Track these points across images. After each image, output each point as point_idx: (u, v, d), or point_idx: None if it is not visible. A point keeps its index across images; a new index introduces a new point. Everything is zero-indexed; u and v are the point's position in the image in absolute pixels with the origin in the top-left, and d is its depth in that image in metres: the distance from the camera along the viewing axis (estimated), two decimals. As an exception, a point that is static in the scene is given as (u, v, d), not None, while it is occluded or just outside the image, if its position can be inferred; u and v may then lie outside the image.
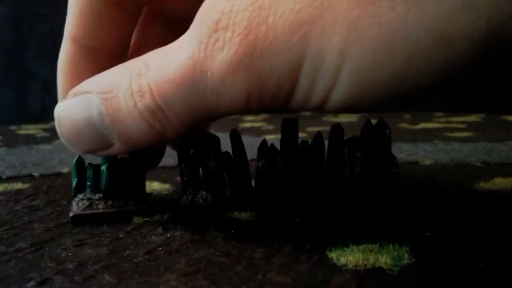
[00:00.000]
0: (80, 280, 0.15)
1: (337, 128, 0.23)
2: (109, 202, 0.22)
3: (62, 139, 0.20)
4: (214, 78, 0.16)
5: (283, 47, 0.15)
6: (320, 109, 0.16)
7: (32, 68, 0.79)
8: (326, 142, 0.23)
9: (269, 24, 0.15)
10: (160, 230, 0.20)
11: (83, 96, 0.19)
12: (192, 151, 0.23)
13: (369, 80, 0.14)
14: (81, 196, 0.22)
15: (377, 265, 0.16)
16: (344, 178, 0.23)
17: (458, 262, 0.16)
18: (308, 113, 0.79)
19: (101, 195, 0.22)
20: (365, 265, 0.16)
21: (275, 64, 0.15)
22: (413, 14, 0.13)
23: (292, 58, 0.15)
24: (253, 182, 0.23)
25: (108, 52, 0.23)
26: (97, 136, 0.19)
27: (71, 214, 0.21)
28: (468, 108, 0.17)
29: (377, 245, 0.17)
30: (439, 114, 0.68)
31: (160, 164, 0.35)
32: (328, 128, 0.24)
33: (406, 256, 0.16)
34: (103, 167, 0.22)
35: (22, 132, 0.60)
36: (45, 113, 0.79)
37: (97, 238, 0.20)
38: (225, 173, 0.23)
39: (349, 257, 0.16)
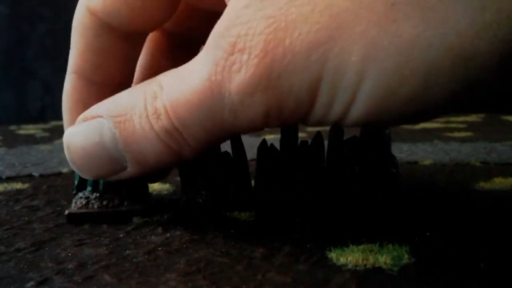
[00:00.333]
0: (79, 280, 0.15)
1: (337, 128, 0.23)
2: (105, 202, 0.22)
3: (72, 166, 0.20)
4: (232, 99, 0.16)
5: (301, 67, 0.15)
6: (338, 123, 0.16)
7: (32, 68, 0.79)
8: (326, 142, 0.23)
9: (286, 45, 0.15)
10: (160, 230, 0.20)
11: (94, 121, 0.19)
12: None
13: (388, 97, 0.15)
14: (80, 194, 0.22)
15: (376, 265, 0.16)
16: (344, 178, 0.23)
17: (458, 262, 0.16)
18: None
19: (98, 194, 0.22)
20: (365, 265, 0.16)
21: (294, 83, 0.15)
22: (433, 32, 0.14)
23: (310, 77, 0.15)
24: (253, 182, 0.23)
25: (113, 84, 0.23)
26: (110, 160, 0.19)
27: (66, 212, 0.21)
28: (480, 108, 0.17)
29: (377, 245, 0.17)
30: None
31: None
32: (328, 128, 0.24)
33: (406, 256, 0.16)
34: None
35: (22, 132, 0.60)
36: (45, 113, 0.79)
37: (96, 238, 0.20)
38: (225, 173, 0.23)
39: (348, 257, 0.16)
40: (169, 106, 0.17)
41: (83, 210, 0.21)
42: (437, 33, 0.14)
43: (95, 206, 0.22)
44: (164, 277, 0.16)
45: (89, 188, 0.22)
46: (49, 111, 0.79)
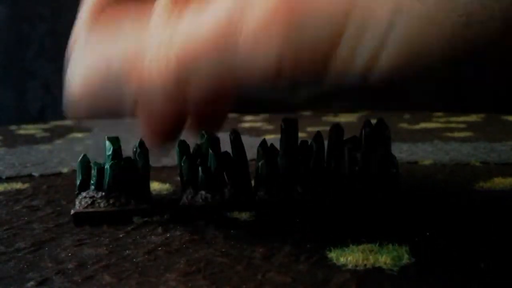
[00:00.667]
0: (79, 280, 0.15)
1: (337, 128, 0.23)
2: (111, 201, 0.22)
3: (68, 96, 0.20)
4: (248, 36, 0.15)
5: (323, 18, 0.14)
6: (363, 77, 0.15)
7: (32, 68, 0.79)
8: (326, 142, 0.23)
9: None
10: (160, 230, 0.20)
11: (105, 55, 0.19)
12: (191, 151, 0.23)
13: (423, 37, 0.14)
14: (84, 194, 0.22)
15: (376, 265, 0.16)
16: (344, 178, 0.23)
17: (458, 262, 0.16)
18: (308, 113, 0.79)
19: (103, 193, 0.22)
20: (365, 265, 0.16)
21: (317, 21, 0.14)
22: None
23: (331, 30, 0.14)
24: (253, 182, 0.23)
25: None
26: (112, 95, 0.18)
27: (72, 211, 0.21)
28: None
29: (377, 245, 0.17)
30: (439, 114, 0.68)
31: (160, 164, 0.35)
32: (328, 128, 0.24)
33: (406, 256, 0.16)
34: (107, 166, 0.22)
35: (21, 132, 0.60)
36: (45, 113, 0.79)
37: (96, 238, 0.20)
38: (225, 173, 0.23)
39: (348, 257, 0.16)
40: (181, 49, 0.17)
41: (89, 210, 0.21)
42: None
43: (101, 205, 0.22)
44: (164, 277, 0.16)
45: (92, 187, 0.22)
46: (49, 111, 0.79)
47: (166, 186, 0.28)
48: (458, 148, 0.39)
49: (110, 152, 0.23)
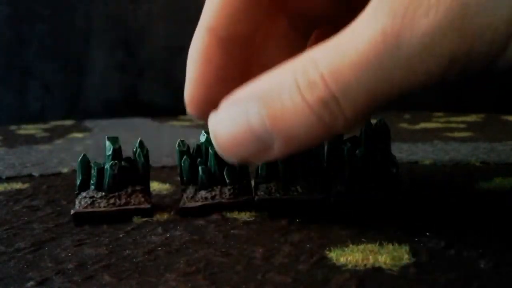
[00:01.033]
0: (79, 280, 0.15)
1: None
2: (111, 201, 0.22)
3: (218, 150, 0.20)
4: (413, 48, 0.15)
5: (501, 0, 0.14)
6: None
7: (32, 68, 0.79)
8: (326, 142, 0.23)
9: None
10: (159, 230, 0.20)
11: (240, 104, 0.19)
12: (192, 151, 0.23)
13: None
14: (84, 194, 0.22)
15: (376, 265, 0.16)
16: (344, 178, 0.23)
17: (458, 262, 0.16)
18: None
19: (103, 193, 0.22)
20: (365, 265, 0.16)
21: (493, 18, 0.15)
22: None
23: (511, 10, 0.14)
24: (253, 182, 0.23)
25: (239, 42, 0.23)
26: (256, 141, 0.18)
27: (72, 211, 0.21)
28: None
29: (377, 245, 0.17)
30: (439, 114, 0.68)
31: (160, 164, 0.35)
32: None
33: (406, 256, 0.16)
34: (107, 166, 0.22)
35: (21, 132, 0.60)
36: (45, 113, 0.79)
37: (96, 238, 0.20)
38: (225, 173, 0.23)
39: (348, 257, 0.16)
40: (329, 73, 0.16)
41: (89, 209, 0.21)
42: None
43: (102, 205, 0.22)
44: (164, 277, 0.16)
45: (92, 188, 0.22)
46: (49, 111, 0.79)
47: (166, 186, 0.28)
48: (458, 148, 0.39)
49: (110, 152, 0.23)
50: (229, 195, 0.22)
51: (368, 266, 0.16)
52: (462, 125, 0.56)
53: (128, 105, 0.79)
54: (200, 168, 0.22)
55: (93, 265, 0.17)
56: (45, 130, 0.61)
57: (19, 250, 0.18)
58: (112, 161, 0.22)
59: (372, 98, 0.17)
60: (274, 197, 0.22)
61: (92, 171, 0.22)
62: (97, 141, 0.50)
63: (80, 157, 0.23)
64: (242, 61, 0.25)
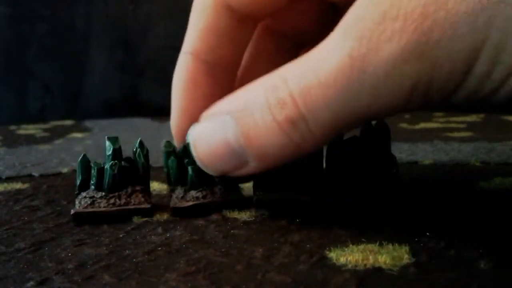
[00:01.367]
0: (79, 280, 0.15)
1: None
2: (111, 201, 0.22)
3: (198, 162, 0.20)
4: (377, 73, 0.15)
5: (463, 31, 0.14)
6: (486, 98, 0.16)
7: (32, 68, 0.79)
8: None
9: (448, 8, 0.14)
10: (159, 230, 0.20)
11: (217, 118, 0.19)
12: (178, 151, 0.23)
13: None
14: (84, 194, 0.22)
15: (376, 265, 0.16)
16: (344, 178, 0.23)
17: (458, 262, 0.16)
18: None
19: (103, 193, 0.22)
20: (365, 265, 0.16)
21: (453, 50, 0.15)
22: None
23: (472, 42, 0.15)
24: (252, 183, 0.23)
25: (224, 66, 0.24)
26: (233, 156, 0.19)
27: (72, 211, 0.21)
28: None
29: (377, 245, 0.17)
30: (439, 114, 0.68)
31: (160, 164, 0.35)
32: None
33: (406, 256, 0.16)
34: (107, 166, 0.22)
35: (21, 132, 0.60)
36: (45, 113, 0.79)
37: (96, 238, 0.20)
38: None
39: (348, 257, 0.16)
40: (298, 93, 0.17)
41: (89, 209, 0.21)
42: None
43: (102, 205, 0.22)
44: (164, 277, 0.16)
45: (92, 188, 0.22)
46: (49, 111, 0.79)
47: (166, 186, 0.28)
48: (458, 148, 0.39)
49: (110, 152, 0.23)
50: (220, 194, 0.22)
51: (368, 266, 0.16)
52: (462, 125, 0.56)
53: (128, 105, 0.79)
54: (190, 168, 0.22)
55: (93, 265, 0.17)
56: (45, 130, 0.61)
57: (19, 250, 0.18)
58: (112, 161, 0.22)
59: (340, 119, 0.17)
60: (273, 197, 0.22)
61: (92, 171, 0.22)
62: (97, 141, 0.50)
63: (80, 157, 0.23)
64: (229, 87, 0.25)
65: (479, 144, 0.41)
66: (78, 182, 0.23)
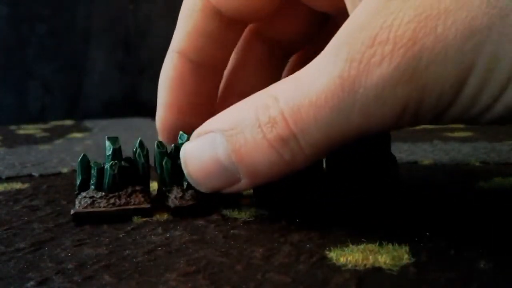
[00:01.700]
0: (79, 280, 0.15)
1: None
2: (111, 201, 0.22)
3: (189, 179, 0.21)
4: (366, 95, 0.16)
5: (453, 55, 0.15)
6: (475, 119, 0.16)
7: (32, 68, 0.79)
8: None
9: (437, 33, 0.15)
10: (159, 230, 0.20)
11: (207, 136, 0.19)
12: (170, 151, 0.23)
13: None
14: (84, 194, 0.22)
15: (376, 265, 0.16)
16: (344, 178, 0.23)
17: (458, 262, 0.16)
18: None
19: (103, 193, 0.22)
20: (365, 265, 0.16)
21: (442, 73, 0.15)
22: None
23: (461, 67, 0.15)
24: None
25: (211, 66, 0.24)
26: (224, 173, 0.19)
27: (72, 211, 0.21)
28: None
29: (377, 245, 0.17)
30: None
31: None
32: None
33: (406, 256, 0.16)
34: (107, 166, 0.22)
35: (21, 132, 0.60)
36: (45, 113, 0.79)
37: (96, 238, 0.20)
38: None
39: (348, 257, 0.16)
40: (288, 112, 0.17)
41: (89, 210, 0.21)
42: None
43: (102, 205, 0.22)
44: (164, 277, 0.16)
45: (92, 188, 0.22)
46: (49, 111, 0.79)
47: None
48: (458, 148, 0.39)
49: (110, 152, 0.23)
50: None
51: (368, 266, 0.16)
52: (462, 125, 0.56)
53: (128, 105, 0.79)
54: None
55: (93, 265, 0.17)
56: (45, 130, 0.61)
57: (19, 250, 0.18)
58: (112, 161, 0.22)
59: (331, 138, 0.17)
60: (273, 197, 0.22)
61: (92, 171, 0.22)
62: (97, 141, 0.50)
63: (80, 157, 0.23)
64: (214, 87, 0.25)
65: (479, 144, 0.41)
66: (78, 182, 0.23)
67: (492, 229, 0.19)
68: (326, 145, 0.17)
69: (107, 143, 0.23)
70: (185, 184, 0.22)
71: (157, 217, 0.22)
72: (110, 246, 0.19)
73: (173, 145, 0.23)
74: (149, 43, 0.79)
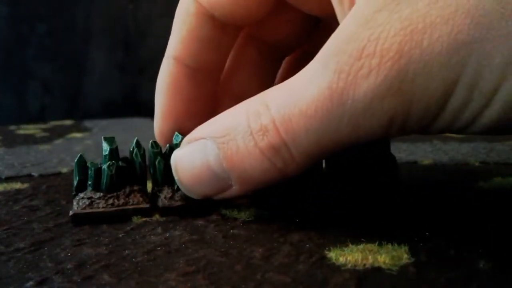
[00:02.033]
0: (79, 280, 0.15)
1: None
2: (110, 201, 0.22)
3: (180, 186, 0.21)
4: (355, 106, 0.16)
5: (438, 69, 0.15)
6: (462, 130, 0.16)
7: (31, 68, 0.79)
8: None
9: (423, 47, 0.15)
10: (159, 230, 0.20)
11: (199, 143, 0.19)
12: (165, 152, 0.23)
13: None
14: (81, 195, 0.22)
15: (376, 265, 0.16)
16: (344, 178, 0.23)
17: (458, 262, 0.16)
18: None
19: (101, 194, 0.22)
20: (364, 265, 0.16)
21: (428, 86, 0.15)
22: None
23: (446, 80, 0.15)
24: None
25: (206, 71, 0.24)
26: (215, 180, 0.19)
27: (71, 212, 0.21)
28: None
29: (376, 245, 0.17)
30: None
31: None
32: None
33: (405, 255, 0.16)
34: (104, 166, 0.22)
35: (21, 132, 0.60)
36: (45, 113, 0.79)
37: (96, 238, 0.20)
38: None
39: (348, 257, 0.16)
40: (279, 120, 0.17)
41: (88, 210, 0.21)
42: None
43: (100, 205, 0.22)
44: (163, 277, 0.16)
45: (89, 188, 0.22)
46: (48, 111, 0.79)
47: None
48: (458, 148, 0.39)
49: (107, 153, 0.22)
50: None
51: (368, 265, 0.16)
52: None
53: (127, 105, 0.79)
54: None
55: (93, 265, 0.17)
56: (45, 130, 0.61)
57: (19, 250, 0.18)
58: (109, 162, 0.22)
59: (321, 147, 0.17)
60: (273, 197, 0.22)
61: (89, 171, 0.22)
62: (96, 141, 0.50)
63: (77, 158, 0.23)
64: (211, 92, 0.25)
65: (479, 144, 0.41)
66: (75, 183, 0.23)
67: (491, 229, 0.19)
68: (317, 153, 0.17)
69: (104, 143, 0.23)
70: (176, 185, 0.22)
71: (156, 217, 0.22)
72: (110, 246, 0.19)
73: (167, 145, 0.23)
74: (149, 43, 0.79)
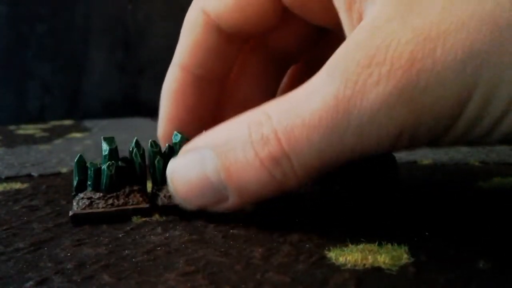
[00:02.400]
0: (79, 280, 0.15)
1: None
2: (110, 201, 0.22)
3: (175, 196, 0.20)
4: (362, 116, 0.15)
5: (452, 78, 0.14)
6: (475, 142, 0.16)
7: (31, 68, 0.79)
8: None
9: (436, 56, 0.14)
10: (159, 230, 0.20)
11: (196, 152, 0.19)
12: (164, 151, 0.23)
13: None
14: (81, 195, 0.22)
15: (376, 265, 0.16)
16: (344, 178, 0.23)
17: (457, 262, 0.16)
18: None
19: (101, 194, 0.22)
20: (364, 265, 0.16)
21: (440, 96, 0.15)
22: None
23: (461, 90, 0.14)
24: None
25: (212, 79, 0.25)
26: (212, 191, 0.19)
27: (71, 213, 0.21)
28: None
29: (376, 245, 0.17)
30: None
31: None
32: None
33: (405, 255, 0.16)
34: (104, 167, 0.22)
35: (21, 132, 0.60)
36: (44, 113, 0.79)
37: (96, 238, 0.20)
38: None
39: (348, 257, 0.16)
40: (281, 131, 0.16)
41: (87, 211, 0.21)
42: None
43: (100, 205, 0.22)
44: (163, 276, 0.16)
45: (89, 188, 0.22)
46: (48, 111, 0.79)
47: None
48: (458, 147, 0.39)
49: (106, 153, 0.22)
50: None
51: (367, 265, 0.16)
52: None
53: (127, 105, 0.79)
54: None
55: (93, 265, 0.17)
56: (44, 130, 0.61)
57: (18, 250, 0.18)
58: (109, 162, 0.22)
59: (324, 159, 0.17)
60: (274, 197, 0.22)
61: (89, 171, 0.22)
62: (96, 141, 0.50)
63: (76, 158, 0.23)
64: (216, 99, 0.26)
65: (479, 144, 0.41)
66: (75, 183, 0.23)
67: (491, 229, 0.19)
68: (319, 166, 0.17)
69: (103, 143, 0.23)
70: None
71: (156, 217, 0.22)
72: (110, 246, 0.19)
73: (167, 144, 0.23)
74: (148, 43, 0.79)
